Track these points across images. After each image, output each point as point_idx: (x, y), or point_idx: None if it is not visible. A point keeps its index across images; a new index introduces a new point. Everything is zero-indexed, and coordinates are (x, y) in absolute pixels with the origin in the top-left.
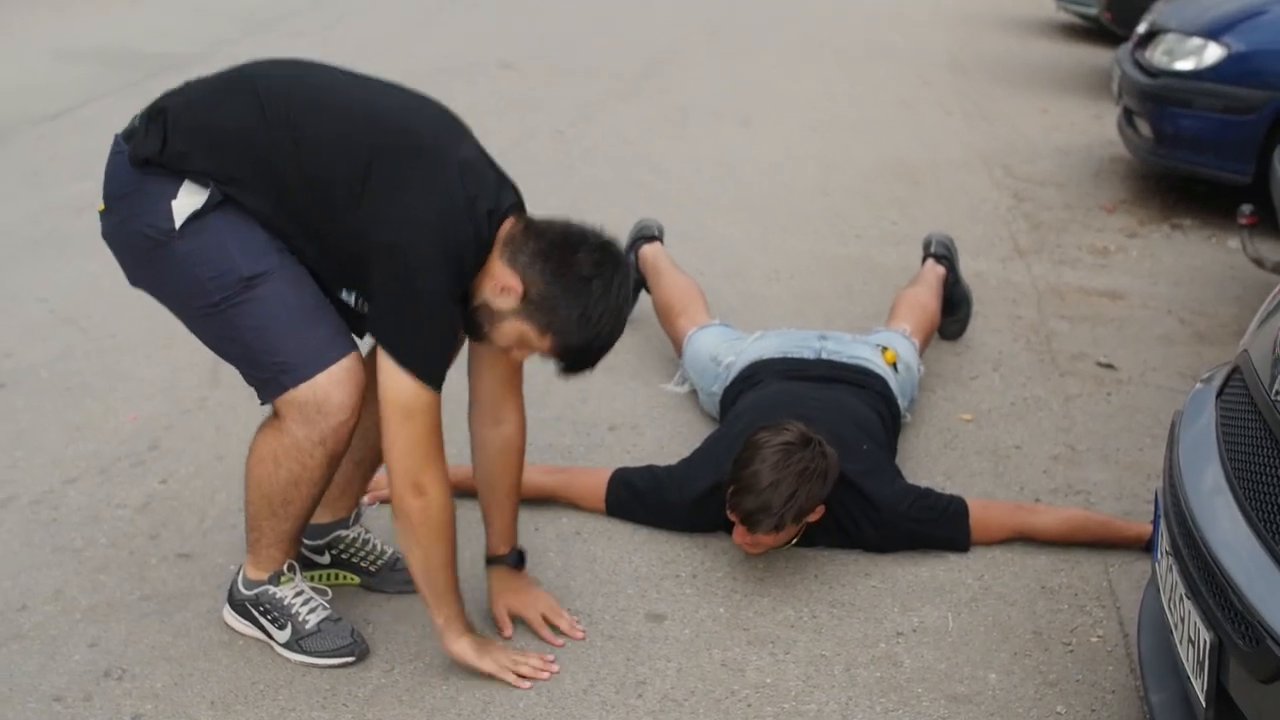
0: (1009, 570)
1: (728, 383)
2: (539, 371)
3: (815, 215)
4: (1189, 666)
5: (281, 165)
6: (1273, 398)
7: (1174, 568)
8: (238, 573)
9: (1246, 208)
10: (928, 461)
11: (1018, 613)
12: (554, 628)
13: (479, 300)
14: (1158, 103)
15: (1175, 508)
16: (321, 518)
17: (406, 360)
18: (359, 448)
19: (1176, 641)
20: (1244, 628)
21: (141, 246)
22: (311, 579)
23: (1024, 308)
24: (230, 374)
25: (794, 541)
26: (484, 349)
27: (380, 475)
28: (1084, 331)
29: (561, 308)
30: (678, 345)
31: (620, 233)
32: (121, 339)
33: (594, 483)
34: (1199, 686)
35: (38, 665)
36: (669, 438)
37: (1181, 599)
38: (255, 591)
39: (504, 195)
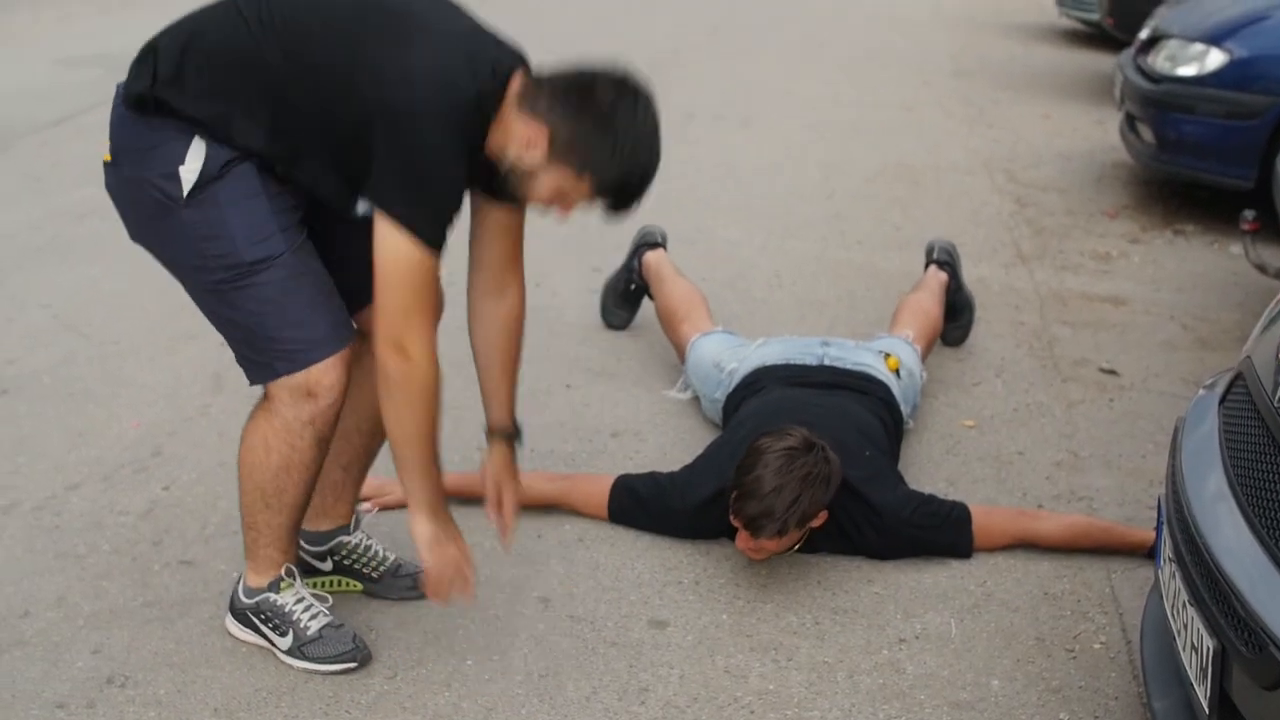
0: (1012, 576)
1: (730, 389)
2: (540, 379)
3: (817, 218)
4: (1192, 673)
5: (272, 63)
6: (1276, 404)
7: (1177, 574)
8: (238, 582)
9: (1249, 213)
10: (930, 467)
11: (1020, 619)
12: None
13: (507, 164)
14: (1160, 108)
15: (1178, 514)
16: (321, 525)
17: (406, 217)
18: (344, 451)
19: (1179, 648)
20: (1247, 634)
21: (148, 207)
22: (314, 586)
23: (1026, 313)
24: (233, 380)
25: (797, 547)
26: (489, 219)
27: (378, 482)
28: (1086, 337)
29: (591, 143)
30: (681, 352)
31: (624, 238)
32: (124, 345)
33: (596, 489)
34: (1202, 693)
35: (40, 672)
36: (672, 444)
37: (1184, 605)
38: (256, 600)
39: (504, 53)
